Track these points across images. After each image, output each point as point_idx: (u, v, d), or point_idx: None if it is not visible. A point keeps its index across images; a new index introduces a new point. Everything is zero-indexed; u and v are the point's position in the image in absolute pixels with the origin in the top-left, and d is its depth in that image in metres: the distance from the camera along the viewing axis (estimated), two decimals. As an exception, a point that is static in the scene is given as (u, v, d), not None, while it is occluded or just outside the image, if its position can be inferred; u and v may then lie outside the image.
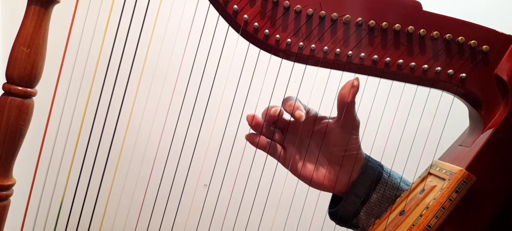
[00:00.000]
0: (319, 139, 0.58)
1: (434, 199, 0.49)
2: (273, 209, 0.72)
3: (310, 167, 0.58)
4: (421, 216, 0.49)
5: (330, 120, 0.57)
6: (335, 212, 0.59)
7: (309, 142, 0.59)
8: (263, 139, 0.57)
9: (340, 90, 0.54)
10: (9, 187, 0.46)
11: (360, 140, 0.58)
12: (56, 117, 0.51)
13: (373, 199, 0.57)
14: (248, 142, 0.57)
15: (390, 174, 0.59)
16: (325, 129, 0.57)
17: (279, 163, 0.59)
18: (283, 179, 0.60)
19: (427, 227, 0.48)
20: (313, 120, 0.57)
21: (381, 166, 0.59)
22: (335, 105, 0.55)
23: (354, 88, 0.53)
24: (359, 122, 0.57)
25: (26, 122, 0.46)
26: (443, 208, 0.48)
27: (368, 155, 0.60)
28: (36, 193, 0.49)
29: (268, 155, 0.58)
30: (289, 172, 0.58)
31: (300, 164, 0.58)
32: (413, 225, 0.49)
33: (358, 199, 0.57)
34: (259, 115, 0.57)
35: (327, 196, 0.61)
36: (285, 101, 0.56)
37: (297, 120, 0.55)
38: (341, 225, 0.60)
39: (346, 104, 0.54)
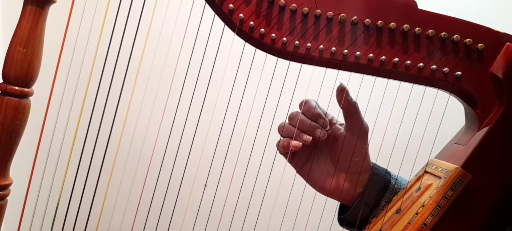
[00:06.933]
0: (329, 144, 0.58)
1: (430, 197, 0.49)
2: (270, 209, 0.72)
3: (318, 172, 0.58)
4: (417, 214, 0.49)
5: (340, 126, 0.58)
6: (345, 219, 0.59)
7: (313, 147, 0.58)
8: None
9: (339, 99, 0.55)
10: (6, 187, 0.47)
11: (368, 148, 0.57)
12: (52, 117, 0.51)
13: (382, 206, 0.57)
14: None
15: (397, 180, 0.59)
16: (334, 135, 0.57)
17: (277, 164, 0.59)
18: (280, 180, 0.60)
19: (423, 225, 0.48)
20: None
21: (388, 173, 0.59)
22: (331, 104, 0.56)
23: (341, 92, 0.54)
24: (367, 126, 0.57)
25: (22, 122, 0.46)
26: (439, 206, 0.48)
27: (374, 162, 0.60)
28: (33, 192, 0.49)
29: (280, 155, 0.58)
30: (290, 173, 0.58)
31: (308, 168, 0.58)
32: (409, 223, 0.49)
33: (367, 207, 0.57)
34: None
35: (320, 197, 0.61)
36: (304, 104, 0.56)
37: (318, 139, 0.55)
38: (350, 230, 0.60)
39: (344, 110, 0.55)
